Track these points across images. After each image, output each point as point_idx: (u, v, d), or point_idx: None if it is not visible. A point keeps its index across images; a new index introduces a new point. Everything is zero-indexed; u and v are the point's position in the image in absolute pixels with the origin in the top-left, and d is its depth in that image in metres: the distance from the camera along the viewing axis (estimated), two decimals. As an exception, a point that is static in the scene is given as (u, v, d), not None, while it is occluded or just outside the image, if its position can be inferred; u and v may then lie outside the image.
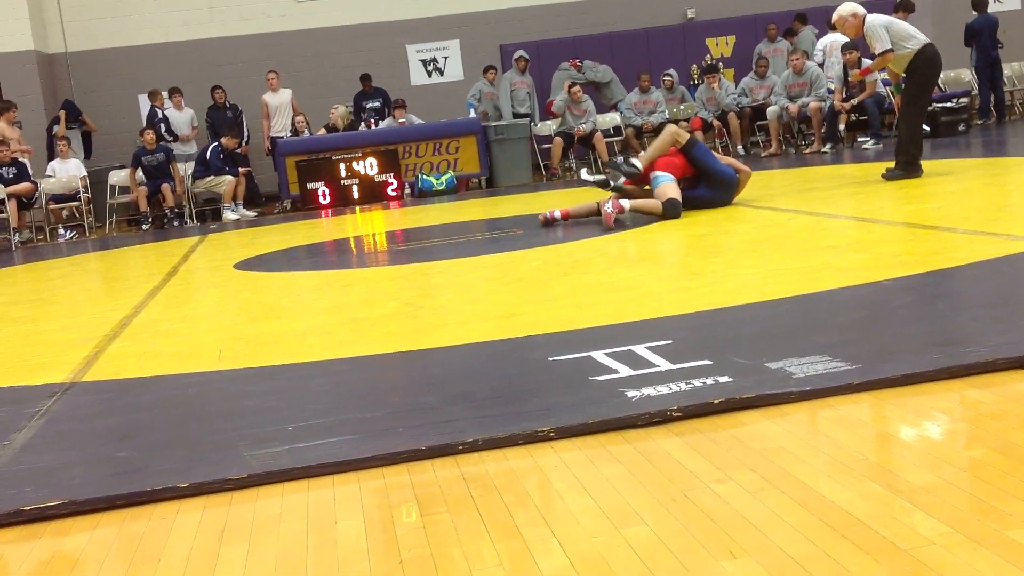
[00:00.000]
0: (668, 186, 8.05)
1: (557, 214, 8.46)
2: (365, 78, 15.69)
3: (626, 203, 8.02)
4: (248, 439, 3.16)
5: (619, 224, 7.81)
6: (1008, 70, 15.27)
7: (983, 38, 14.09)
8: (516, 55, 15.42)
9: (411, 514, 2.50)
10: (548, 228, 8.23)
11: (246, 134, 15.03)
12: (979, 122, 14.11)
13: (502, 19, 16.69)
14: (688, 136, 8.32)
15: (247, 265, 8.18)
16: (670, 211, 7.85)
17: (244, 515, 2.63)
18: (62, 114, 14.74)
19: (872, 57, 9.34)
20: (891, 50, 8.58)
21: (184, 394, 3.97)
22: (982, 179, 8.51)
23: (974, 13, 14.48)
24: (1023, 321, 3.50)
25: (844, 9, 8.81)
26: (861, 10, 8.84)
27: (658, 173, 8.19)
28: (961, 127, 13.21)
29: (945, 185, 8.13)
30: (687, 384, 3.17)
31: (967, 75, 15.15)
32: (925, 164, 8.86)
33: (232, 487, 2.80)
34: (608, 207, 7.84)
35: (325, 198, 13.77)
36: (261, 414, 3.47)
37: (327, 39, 16.47)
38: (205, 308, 6.39)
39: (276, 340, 4.84)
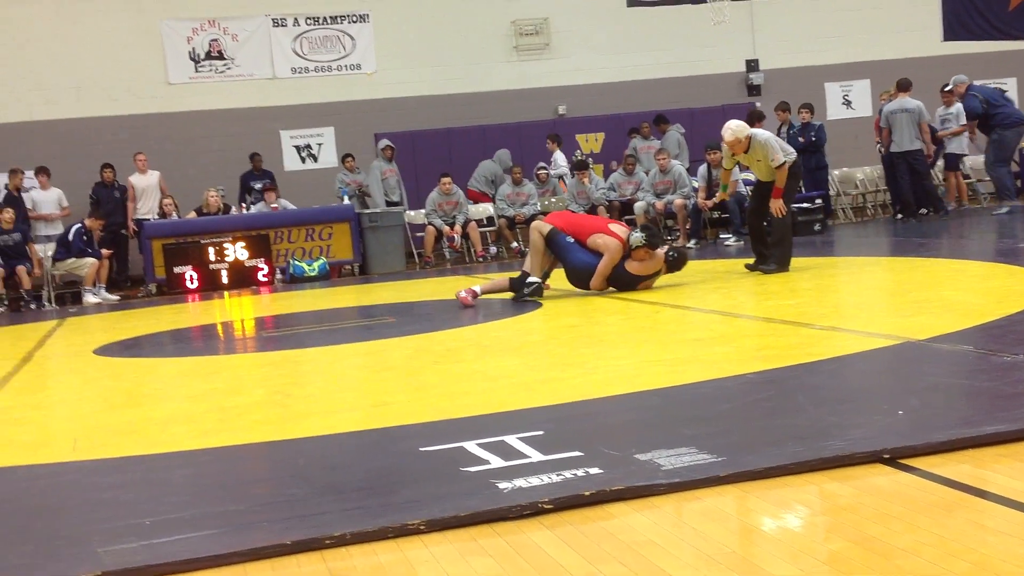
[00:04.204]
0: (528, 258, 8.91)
1: (477, 289, 8.72)
2: (254, 157, 15.61)
3: (477, 288, 8.72)
4: (102, 534, 3.01)
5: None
6: (839, 175, 16.23)
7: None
8: (381, 144, 15.60)
9: (274, 612, 2.41)
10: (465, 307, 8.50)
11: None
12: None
13: (376, 108, 16.84)
14: (549, 228, 8.72)
15: (108, 350, 7.90)
16: (515, 283, 8.61)
17: (95, 616, 2.50)
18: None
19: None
20: (786, 163, 9.04)
21: (35, 486, 3.78)
22: (837, 277, 8.90)
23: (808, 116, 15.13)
24: (877, 416, 3.63)
25: (740, 131, 9.03)
26: (750, 129, 9.25)
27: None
28: (817, 227, 13.83)
29: (801, 282, 8.46)
30: (558, 476, 3.18)
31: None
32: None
33: (83, 585, 2.66)
34: (463, 292, 8.58)
35: (193, 282, 13.47)
36: (116, 507, 3.32)
37: (199, 122, 16.30)
38: (61, 395, 6.13)
39: (136, 429, 4.67)
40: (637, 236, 8.46)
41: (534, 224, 8.98)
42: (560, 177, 15.79)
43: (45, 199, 14.63)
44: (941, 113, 15.09)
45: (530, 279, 8.58)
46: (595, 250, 8.53)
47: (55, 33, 15.85)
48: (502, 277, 9.09)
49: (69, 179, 14.95)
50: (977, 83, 14.52)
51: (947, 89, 14.67)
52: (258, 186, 15.30)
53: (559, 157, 16.04)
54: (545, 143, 16.24)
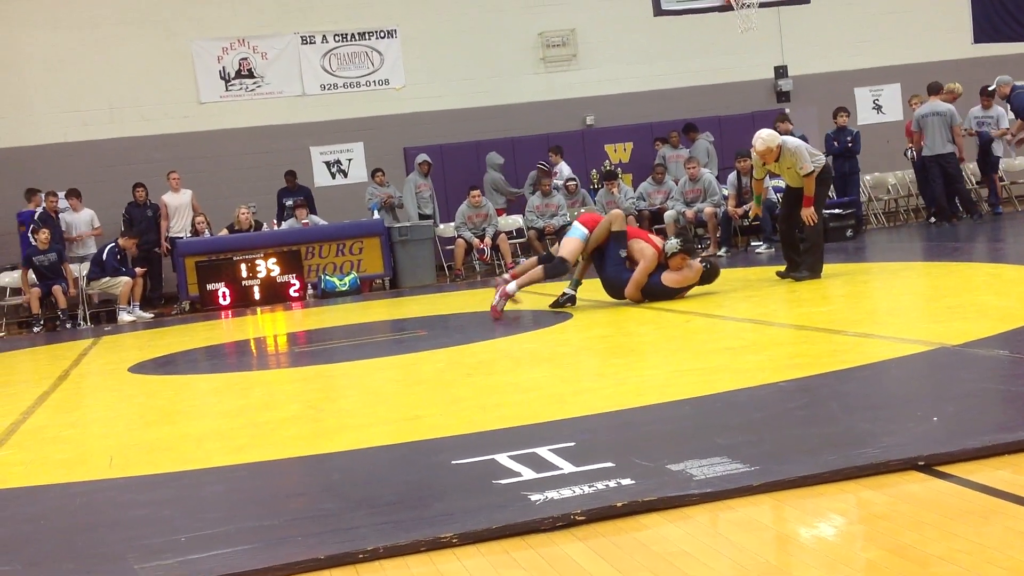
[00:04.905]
0: (568, 241, 8.72)
1: (511, 289, 8.52)
2: (290, 175, 15.73)
3: (512, 287, 8.49)
4: (138, 551, 3.04)
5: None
6: (871, 180, 16.10)
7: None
8: (419, 159, 15.62)
9: (309, 627, 2.42)
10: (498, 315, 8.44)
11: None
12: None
13: (405, 123, 16.92)
14: (621, 230, 8.60)
15: (142, 368, 7.97)
16: (550, 271, 8.63)
17: (133, 632, 2.52)
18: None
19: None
20: (814, 171, 9.00)
21: (72, 504, 3.82)
22: (869, 283, 8.83)
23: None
24: (912, 422, 3.60)
25: (771, 140, 8.97)
26: (780, 138, 9.21)
27: (575, 224, 8.84)
28: (849, 233, 13.73)
29: (834, 289, 8.40)
30: (590, 487, 3.17)
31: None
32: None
33: (121, 602, 2.69)
34: (496, 299, 8.44)
35: (225, 299, 13.58)
36: (153, 524, 3.35)
37: (230, 140, 16.44)
38: (97, 413, 6.19)
39: (171, 446, 4.71)
40: (673, 243, 8.48)
41: (616, 212, 8.90)
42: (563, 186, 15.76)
43: (77, 220, 14.83)
44: (978, 115, 14.92)
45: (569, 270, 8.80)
46: (632, 256, 8.53)
47: (88, 56, 16.06)
48: (530, 262, 8.95)
49: (104, 199, 15.14)
50: (1019, 83, 14.34)
51: (990, 90, 14.49)
52: (290, 203, 15.41)
53: (563, 168, 16.04)
54: (550, 155, 16.21)
